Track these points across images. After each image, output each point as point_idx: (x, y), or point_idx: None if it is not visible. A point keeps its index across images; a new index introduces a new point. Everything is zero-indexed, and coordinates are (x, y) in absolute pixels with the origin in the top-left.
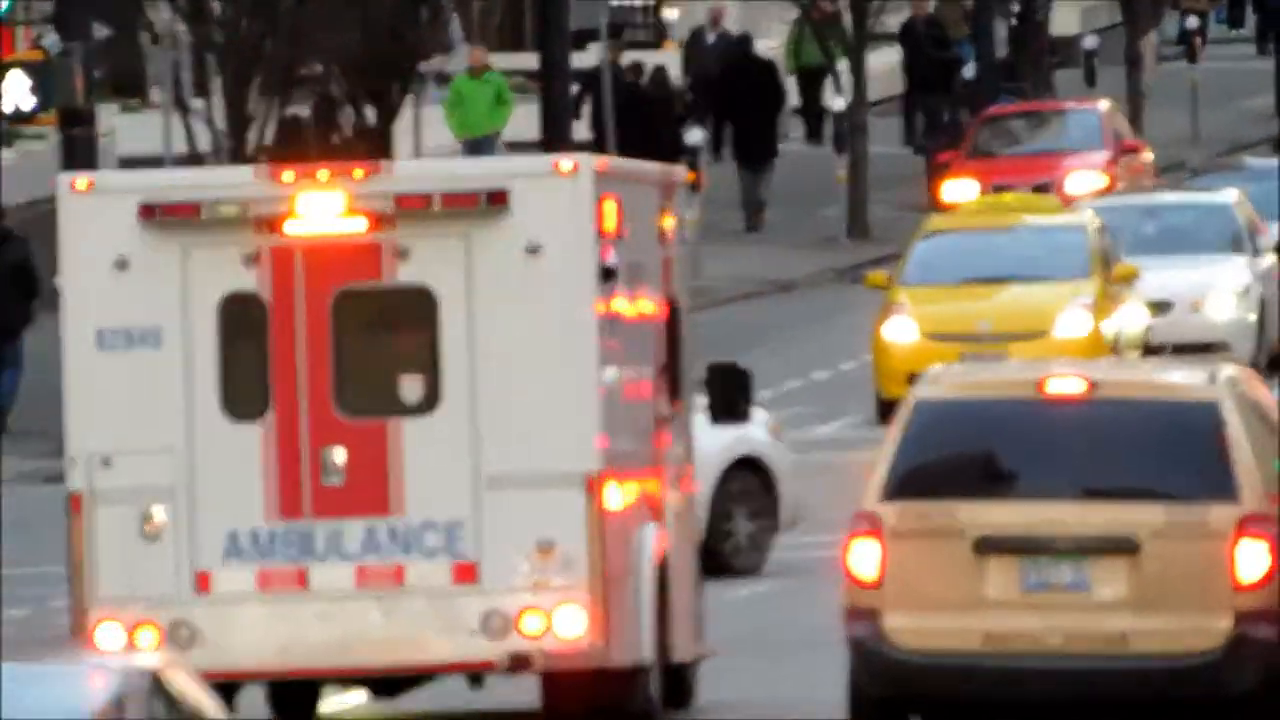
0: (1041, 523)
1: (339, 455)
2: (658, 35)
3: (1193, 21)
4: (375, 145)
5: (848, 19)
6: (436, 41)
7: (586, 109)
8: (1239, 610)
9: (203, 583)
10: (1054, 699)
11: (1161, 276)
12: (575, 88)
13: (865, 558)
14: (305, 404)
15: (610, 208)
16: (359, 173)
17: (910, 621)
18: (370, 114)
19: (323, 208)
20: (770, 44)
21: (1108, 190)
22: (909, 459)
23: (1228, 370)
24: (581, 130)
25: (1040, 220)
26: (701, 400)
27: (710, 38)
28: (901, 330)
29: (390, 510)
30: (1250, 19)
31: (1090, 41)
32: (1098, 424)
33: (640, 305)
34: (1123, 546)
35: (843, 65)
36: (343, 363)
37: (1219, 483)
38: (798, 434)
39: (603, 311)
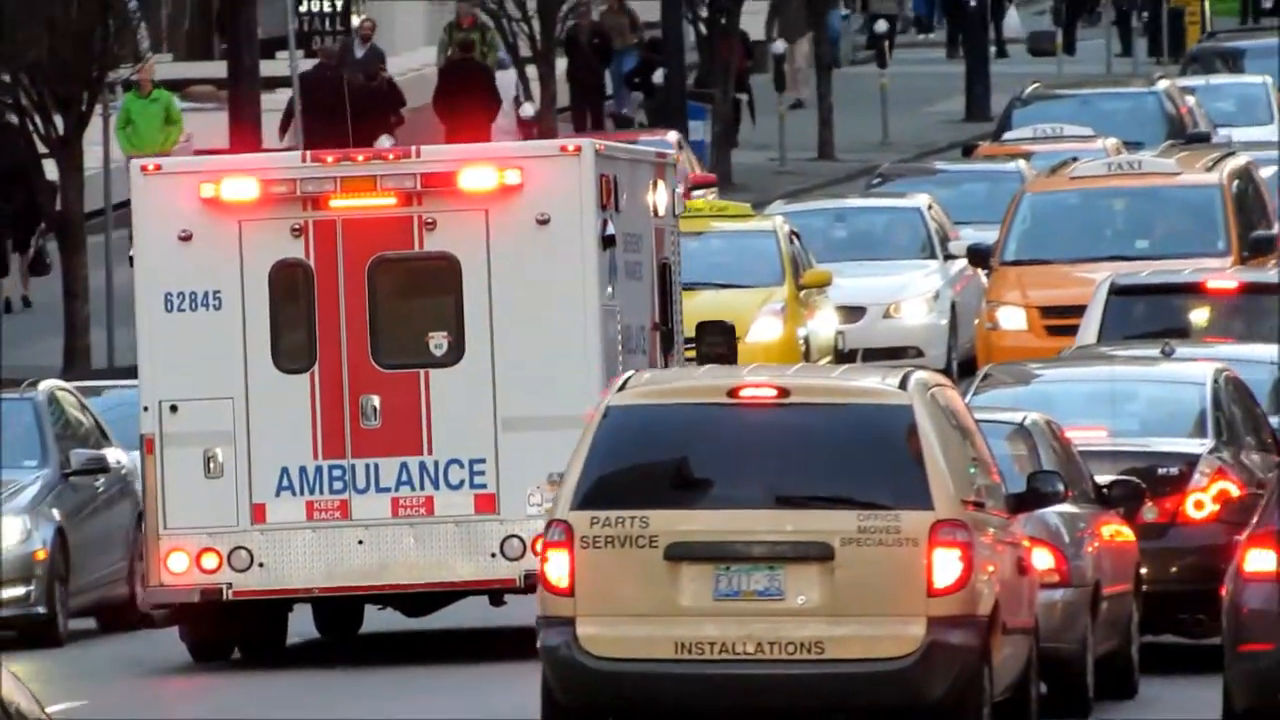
0: (734, 530)
1: (376, 402)
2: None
3: (882, 25)
4: (64, 155)
5: (536, 25)
6: (126, 50)
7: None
8: (933, 616)
9: (259, 514)
10: (748, 706)
11: (854, 282)
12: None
13: (557, 566)
14: (346, 357)
15: (609, 184)
16: (391, 156)
17: (603, 630)
18: (59, 122)
19: (360, 186)
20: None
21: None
22: (600, 467)
23: (920, 375)
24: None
25: (731, 226)
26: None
27: (359, 52)
28: None
29: (421, 449)
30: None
31: (779, 46)
32: (790, 430)
33: (636, 269)
34: (816, 553)
35: (532, 71)
36: (378, 321)
37: (912, 489)
38: None
39: (604, 274)
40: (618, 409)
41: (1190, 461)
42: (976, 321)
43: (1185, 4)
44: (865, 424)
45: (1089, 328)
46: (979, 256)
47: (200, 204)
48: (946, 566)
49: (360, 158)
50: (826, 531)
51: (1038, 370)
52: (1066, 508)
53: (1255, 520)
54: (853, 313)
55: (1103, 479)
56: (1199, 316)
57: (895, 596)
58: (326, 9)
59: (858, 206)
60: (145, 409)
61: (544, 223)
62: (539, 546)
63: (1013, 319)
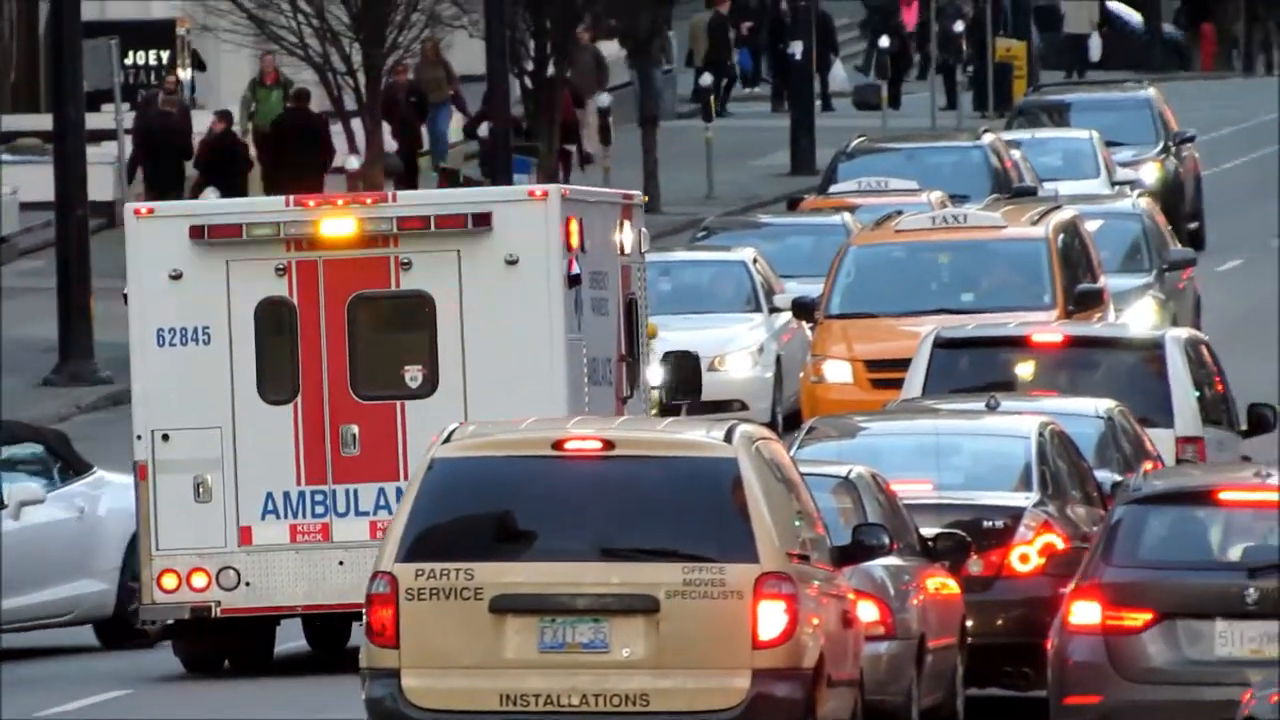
0: (559, 582)
1: (355, 431)
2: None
3: (706, 79)
4: None
5: (362, 79)
6: None
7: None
8: (758, 669)
9: (245, 536)
10: None
11: (679, 335)
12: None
13: (382, 618)
14: (327, 389)
15: (574, 226)
16: (369, 200)
17: (428, 682)
18: None
19: (340, 229)
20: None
21: None
22: (425, 518)
23: (745, 428)
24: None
25: None
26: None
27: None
28: None
29: (398, 475)
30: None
31: (604, 99)
32: (615, 482)
33: (603, 304)
34: (641, 606)
35: (357, 125)
36: (357, 355)
37: (737, 541)
38: None
39: (569, 311)
40: (443, 461)
41: (1015, 515)
42: (801, 375)
43: (1011, 58)
44: (690, 477)
45: (914, 381)
46: (804, 310)
47: (189, 245)
48: (771, 619)
49: (340, 202)
50: (651, 584)
51: (863, 423)
52: (892, 560)
53: (1079, 573)
54: None
55: (928, 532)
56: (1024, 370)
57: (720, 649)
58: (152, 62)
59: (683, 260)
60: (139, 437)
61: (512, 263)
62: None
63: (838, 372)
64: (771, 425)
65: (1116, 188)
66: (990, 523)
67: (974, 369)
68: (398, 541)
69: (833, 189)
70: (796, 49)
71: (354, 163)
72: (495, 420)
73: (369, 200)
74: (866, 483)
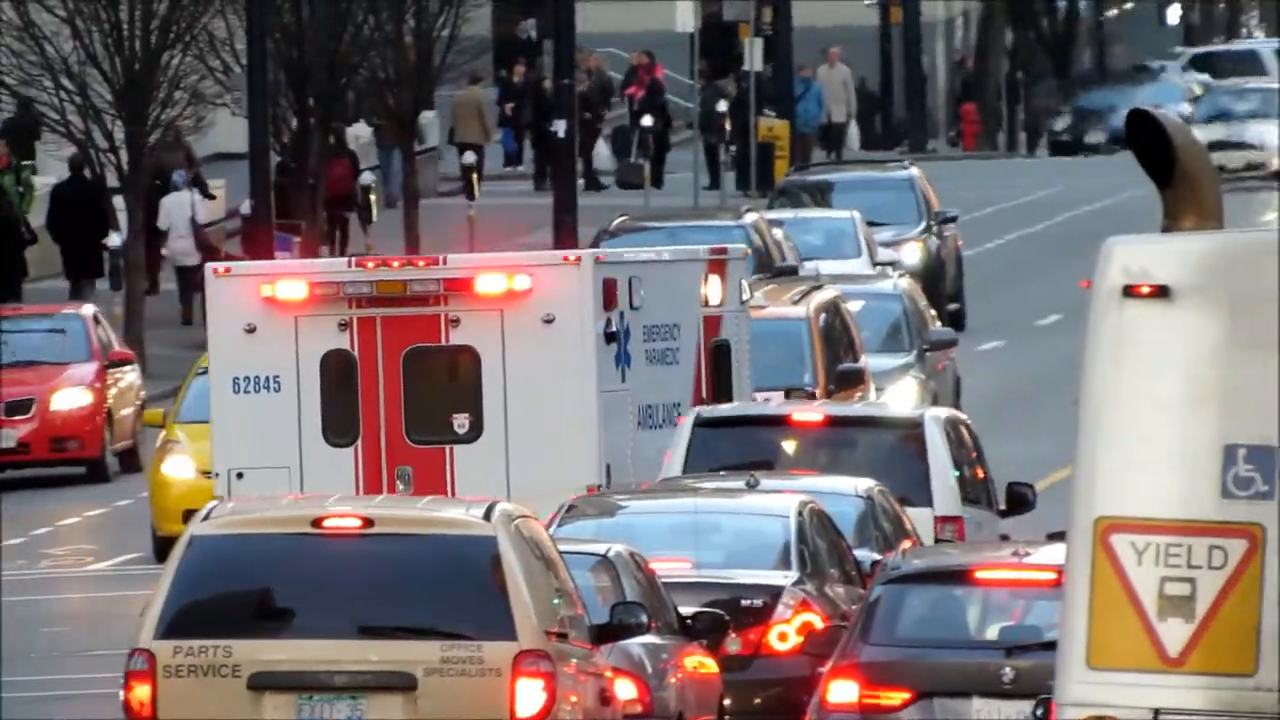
0: (317, 659)
1: (409, 472)
2: None
3: (470, 158)
4: None
5: (125, 155)
6: None
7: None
8: None
9: None
10: None
11: None
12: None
13: (140, 695)
14: (384, 433)
15: (615, 287)
16: (421, 263)
17: None
18: None
19: (394, 288)
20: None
21: (93, 414)
22: (184, 596)
23: (504, 507)
24: None
25: None
26: None
27: None
28: (178, 467)
29: None
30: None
31: (366, 177)
32: (374, 560)
33: (667, 354)
34: (399, 683)
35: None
36: (411, 403)
37: (496, 619)
38: (75, 571)
39: (605, 365)
40: (202, 539)
41: (774, 593)
42: None
43: (774, 138)
44: (449, 554)
45: (675, 460)
46: None
47: (261, 302)
48: (529, 697)
49: (395, 264)
50: (409, 661)
51: (622, 502)
52: (650, 639)
53: (838, 652)
54: None
55: (686, 610)
56: (784, 449)
57: None
58: None
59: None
60: (216, 475)
61: (549, 322)
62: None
63: None
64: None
65: (878, 268)
66: (749, 601)
67: (734, 448)
68: (156, 618)
69: None
70: (559, 127)
71: (115, 240)
72: (260, 497)
73: (421, 263)
74: (625, 561)
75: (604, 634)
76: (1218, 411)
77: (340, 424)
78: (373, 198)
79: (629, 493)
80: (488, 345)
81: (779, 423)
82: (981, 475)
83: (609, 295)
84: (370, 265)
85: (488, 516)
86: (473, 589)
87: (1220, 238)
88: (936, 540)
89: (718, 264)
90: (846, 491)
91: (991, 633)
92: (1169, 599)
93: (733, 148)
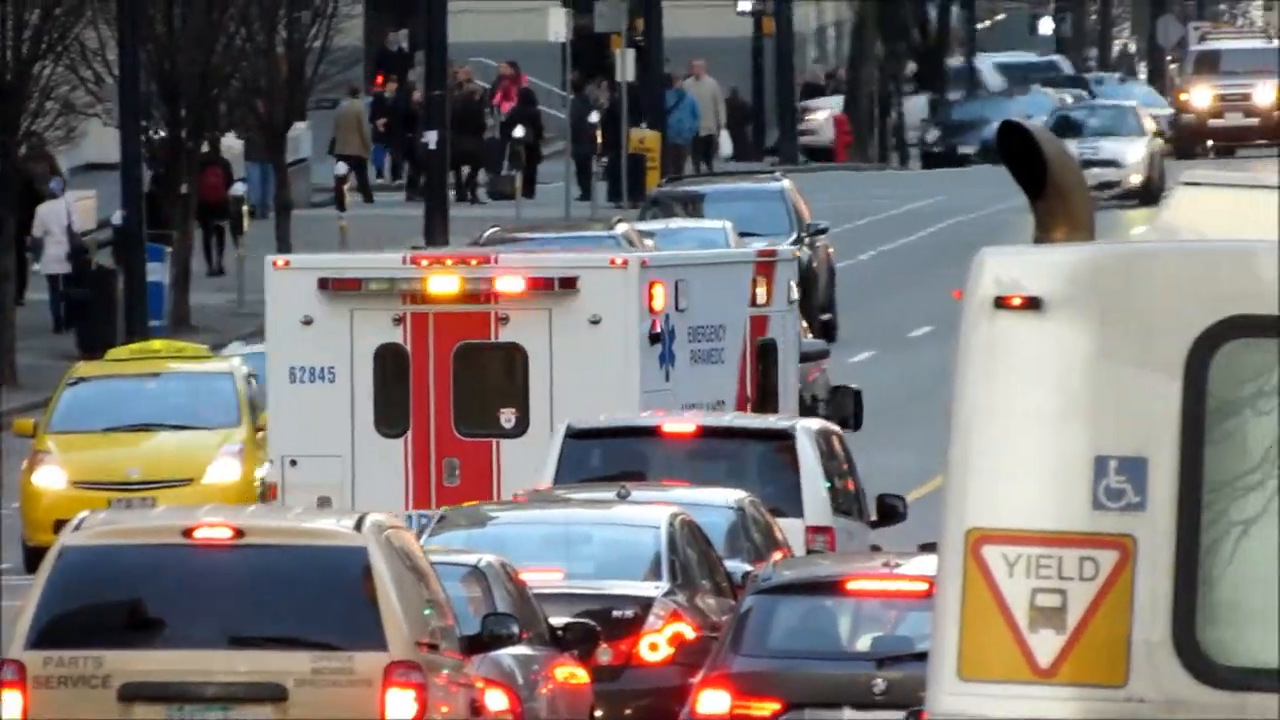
0: (187, 670)
1: (457, 463)
2: None
3: (341, 168)
4: None
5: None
6: None
7: None
8: None
9: None
10: None
11: None
12: None
13: (10, 707)
14: (434, 426)
15: (661, 290)
16: (473, 261)
17: None
18: None
19: (447, 286)
20: None
21: None
22: (54, 606)
23: (375, 517)
24: None
25: (188, 367)
26: None
27: None
28: (49, 478)
29: None
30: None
31: (238, 188)
32: (246, 570)
33: (712, 354)
34: (269, 694)
35: None
36: (460, 397)
37: (366, 630)
38: None
39: (648, 364)
40: (73, 549)
41: (645, 604)
42: None
43: (645, 150)
44: (320, 565)
45: (546, 471)
46: None
47: (319, 295)
48: (400, 707)
49: (448, 262)
50: (280, 672)
51: (493, 513)
52: (521, 649)
53: (709, 662)
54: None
55: (558, 621)
56: (656, 460)
57: None
58: None
59: None
60: (270, 461)
61: (595, 322)
62: None
63: None
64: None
65: None
66: (620, 612)
67: (606, 459)
68: (26, 629)
69: None
70: (431, 138)
71: None
72: (131, 509)
73: (473, 261)
74: (496, 572)
75: (475, 645)
76: (1089, 423)
77: (391, 415)
78: (245, 208)
79: (500, 504)
80: (536, 343)
81: (650, 434)
82: (853, 486)
83: (654, 297)
84: (425, 263)
85: (359, 527)
86: (344, 599)
87: (1091, 249)
88: (808, 551)
89: (766, 265)
90: (717, 503)
91: (863, 644)
92: (1040, 610)
93: (604, 159)
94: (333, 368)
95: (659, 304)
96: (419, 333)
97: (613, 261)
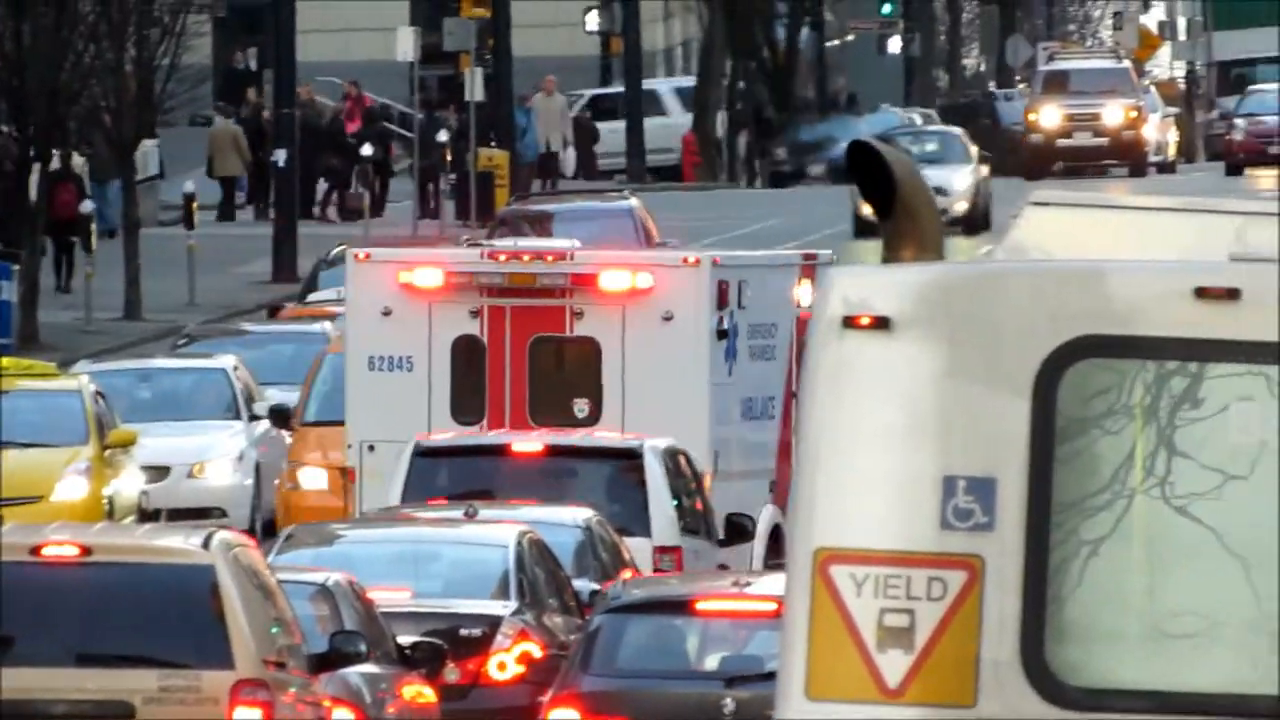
0: (35, 689)
1: None
2: None
3: (190, 187)
4: None
5: None
6: None
7: None
8: None
9: None
10: None
11: (159, 442)
12: None
13: None
14: (509, 415)
15: (728, 288)
16: (549, 258)
17: None
18: None
19: (524, 280)
20: None
21: None
22: None
23: (223, 535)
24: None
25: (35, 384)
26: None
27: None
28: None
29: None
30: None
31: (87, 206)
32: (93, 588)
33: (766, 351)
34: (117, 712)
35: None
36: (535, 388)
37: (214, 648)
38: None
39: (716, 360)
40: None
41: (493, 623)
42: (277, 482)
43: (494, 168)
44: (167, 583)
45: (394, 489)
46: (281, 417)
47: (399, 287)
48: None
49: (525, 258)
50: (127, 690)
51: (341, 531)
52: (368, 668)
53: (558, 682)
54: (158, 472)
55: (405, 640)
56: (504, 479)
57: None
58: None
59: (163, 367)
60: (349, 447)
61: (668, 319)
62: None
63: (313, 479)
64: (250, 532)
65: None
66: (468, 631)
67: (454, 477)
68: None
69: (312, 297)
70: (280, 157)
71: None
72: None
73: (549, 258)
74: (344, 590)
75: (322, 663)
76: (937, 443)
77: (468, 404)
78: (93, 226)
79: (348, 522)
80: (609, 337)
81: (499, 452)
82: (700, 505)
83: (722, 295)
84: (502, 258)
85: (206, 545)
86: (191, 617)
87: (940, 269)
88: (655, 570)
89: (809, 268)
90: (565, 521)
91: (712, 663)
92: (888, 630)
93: (452, 176)
94: (411, 358)
95: (726, 302)
96: (495, 325)
97: (685, 260)
